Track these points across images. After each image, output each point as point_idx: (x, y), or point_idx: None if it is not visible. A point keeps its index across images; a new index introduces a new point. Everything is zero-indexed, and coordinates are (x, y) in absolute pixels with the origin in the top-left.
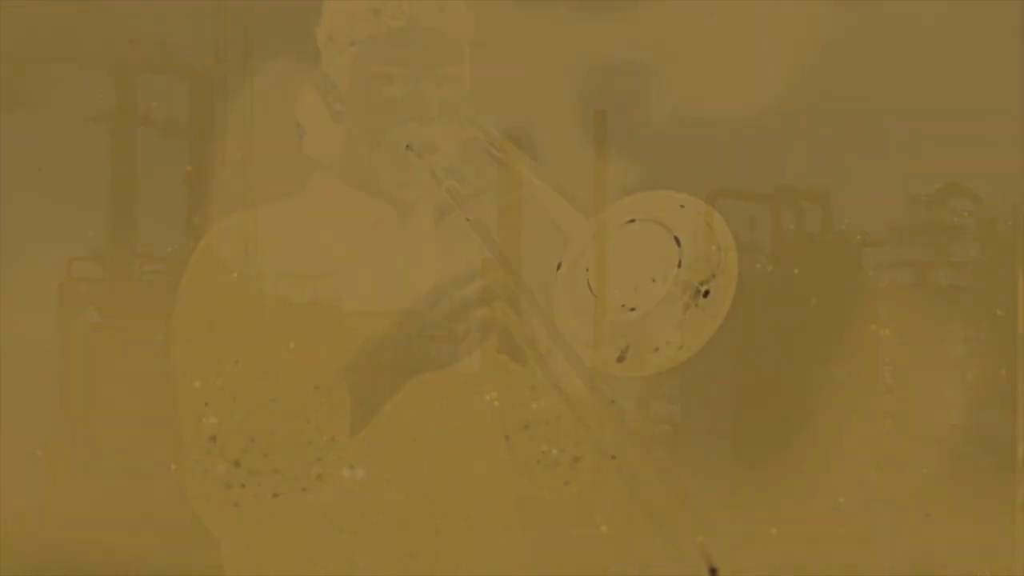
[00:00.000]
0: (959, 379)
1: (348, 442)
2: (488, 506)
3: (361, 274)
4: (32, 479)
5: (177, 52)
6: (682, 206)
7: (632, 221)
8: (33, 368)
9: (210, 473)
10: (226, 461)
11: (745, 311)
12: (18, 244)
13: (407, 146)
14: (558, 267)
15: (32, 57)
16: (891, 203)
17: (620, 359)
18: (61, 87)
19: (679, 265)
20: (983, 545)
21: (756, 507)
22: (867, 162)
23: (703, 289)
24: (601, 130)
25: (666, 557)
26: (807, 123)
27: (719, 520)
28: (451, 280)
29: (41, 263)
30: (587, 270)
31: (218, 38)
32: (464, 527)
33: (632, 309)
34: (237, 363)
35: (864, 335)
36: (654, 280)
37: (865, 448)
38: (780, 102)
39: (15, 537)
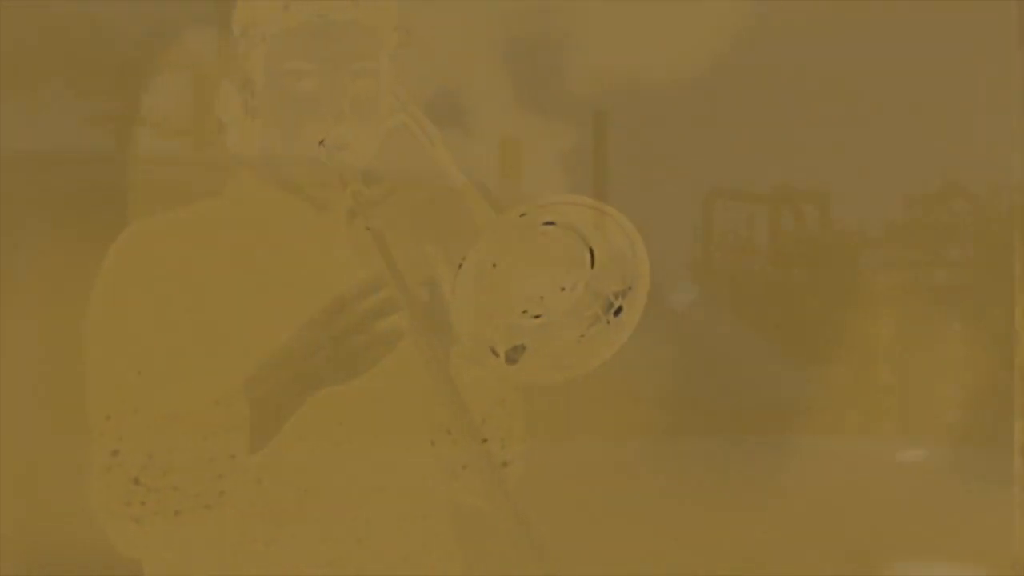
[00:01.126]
0: (958, 379)
1: (250, 459)
2: (414, 512)
3: (277, 278)
4: (33, 478)
5: (178, 51)
6: (601, 212)
7: (549, 223)
8: (34, 367)
9: (112, 488)
10: (126, 478)
11: (743, 309)
12: (19, 245)
13: (320, 142)
14: (460, 264)
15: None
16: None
17: (511, 360)
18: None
19: (591, 265)
20: (978, 543)
21: (752, 506)
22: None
23: (616, 304)
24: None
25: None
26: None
27: (713, 519)
28: (354, 290)
29: (41, 263)
30: (494, 266)
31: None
32: (389, 534)
33: (536, 316)
34: (140, 374)
35: (863, 337)
36: (563, 289)
37: (863, 446)
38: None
39: (15, 537)
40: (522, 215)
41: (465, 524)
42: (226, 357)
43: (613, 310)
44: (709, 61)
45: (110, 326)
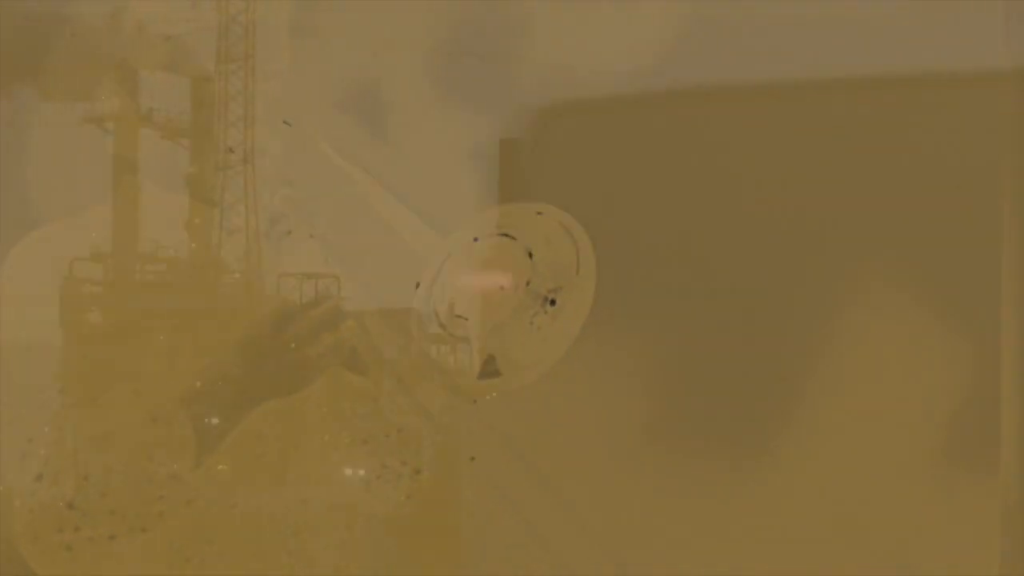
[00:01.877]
0: (945, 380)
1: (191, 477)
2: (337, 522)
3: (187, 286)
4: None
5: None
6: (539, 213)
7: (477, 240)
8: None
9: (37, 514)
10: (57, 503)
11: (730, 307)
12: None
13: (230, 149)
14: (417, 286)
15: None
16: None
17: (489, 375)
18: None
19: (528, 283)
20: (963, 544)
21: (739, 504)
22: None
23: (550, 297)
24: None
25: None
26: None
27: (700, 517)
28: (300, 303)
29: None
30: (443, 285)
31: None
32: (316, 544)
33: (483, 320)
34: (62, 392)
35: (851, 333)
36: (502, 288)
37: (848, 447)
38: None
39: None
40: (466, 233)
41: (378, 531)
42: (152, 372)
43: (548, 301)
44: (650, 56)
45: (18, 344)
